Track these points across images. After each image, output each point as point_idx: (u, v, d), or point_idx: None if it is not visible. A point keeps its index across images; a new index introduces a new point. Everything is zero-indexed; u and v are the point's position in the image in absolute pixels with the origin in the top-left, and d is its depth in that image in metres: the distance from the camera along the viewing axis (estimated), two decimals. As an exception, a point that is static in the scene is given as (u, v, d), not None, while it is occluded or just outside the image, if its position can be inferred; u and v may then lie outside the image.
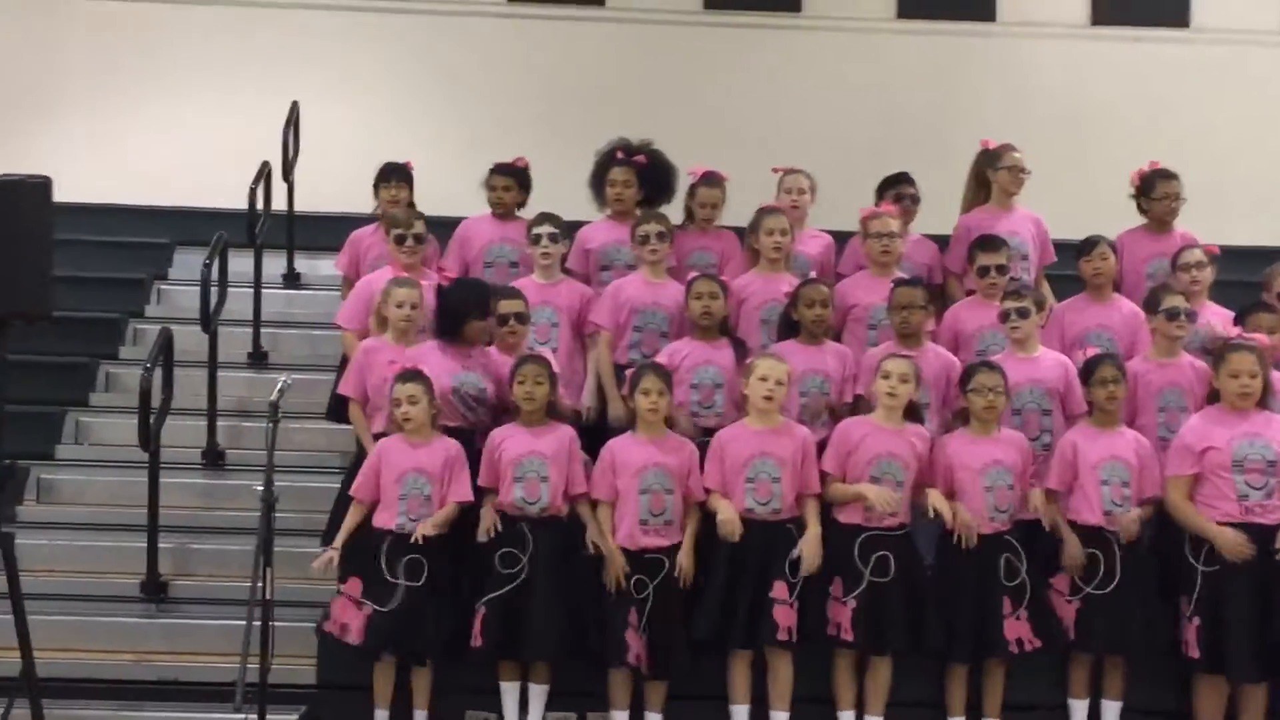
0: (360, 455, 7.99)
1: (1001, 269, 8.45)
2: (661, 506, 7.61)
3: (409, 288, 8.18)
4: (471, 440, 7.84)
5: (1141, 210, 9.08)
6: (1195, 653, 7.60)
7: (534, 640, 7.49)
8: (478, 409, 7.98)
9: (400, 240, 8.58)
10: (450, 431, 7.84)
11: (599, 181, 8.98)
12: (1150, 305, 8.28)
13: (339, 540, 7.65)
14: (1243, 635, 7.50)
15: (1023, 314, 8.09)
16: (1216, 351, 7.85)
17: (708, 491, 7.66)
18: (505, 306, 8.10)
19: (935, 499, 7.60)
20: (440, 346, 8.02)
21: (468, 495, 7.66)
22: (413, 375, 7.73)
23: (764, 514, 7.58)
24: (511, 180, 9.02)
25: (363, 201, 9.43)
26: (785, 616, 7.50)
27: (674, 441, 7.72)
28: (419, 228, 8.64)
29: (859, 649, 7.57)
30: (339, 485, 8.14)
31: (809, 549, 7.54)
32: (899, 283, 8.28)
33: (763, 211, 8.61)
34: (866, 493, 7.58)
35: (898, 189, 9.10)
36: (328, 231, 10.47)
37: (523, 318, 8.09)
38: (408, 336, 8.16)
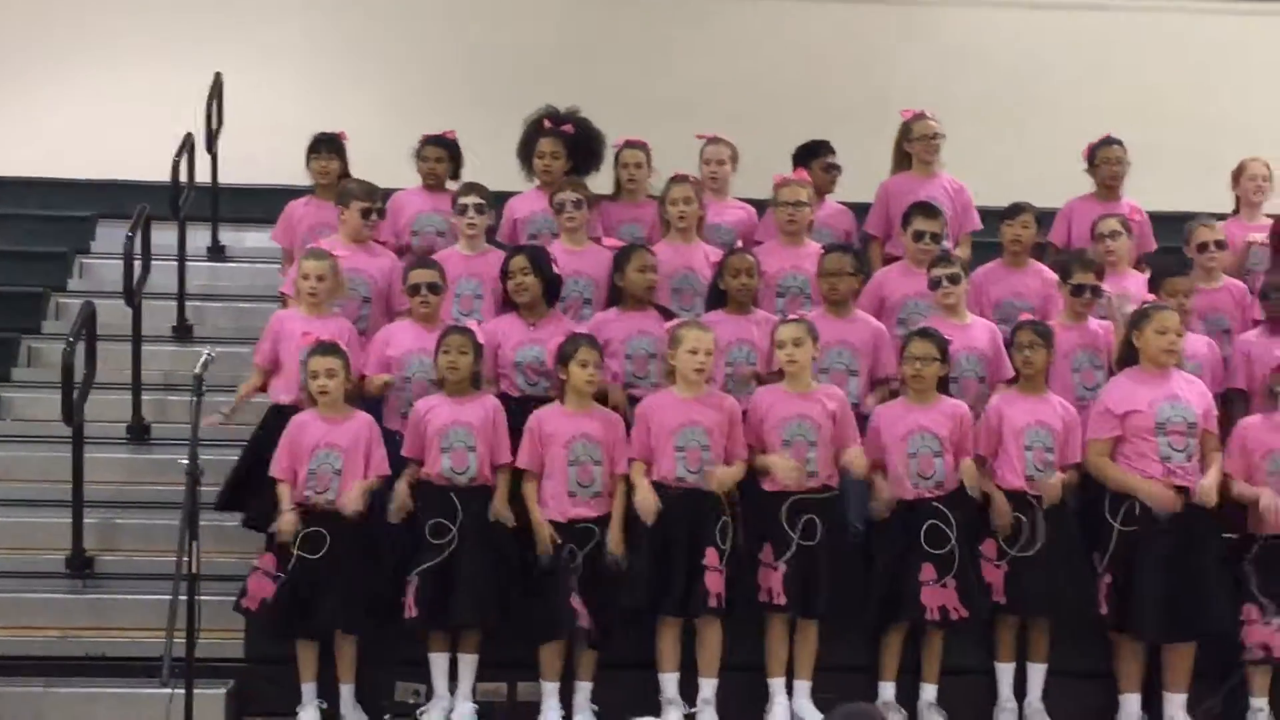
0: (263, 426, 8.00)
1: (936, 237, 8.49)
2: (589, 478, 7.61)
3: (318, 259, 8.14)
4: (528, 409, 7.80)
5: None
6: (1104, 609, 7.68)
7: (466, 609, 7.49)
8: (539, 381, 7.96)
9: (366, 214, 8.52)
10: (507, 400, 7.85)
11: (527, 152, 8.97)
12: (1061, 274, 8.33)
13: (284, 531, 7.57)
14: (1150, 594, 7.58)
15: (954, 280, 8.12)
16: (1137, 314, 7.91)
17: (631, 462, 7.66)
18: (416, 277, 8.05)
19: (856, 462, 7.65)
20: (513, 315, 8.06)
21: (385, 469, 7.67)
22: (330, 348, 7.71)
23: (694, 482, 7.59)
24: (443, 151, 9.00)
25: (288, 173, 9.35)
26: (715, 583, 7.51)
27: (601, 413, 7.72)
28: (380, 202, 8.60)
29: (791, 613, 7.59)
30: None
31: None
32: (829, 249, 8.30)
33: (671, 180, 8.62)
34: (770, 465, 7.59)
35: (816, 157, 9.11)
36: (253, 204, 10.41)
37: (435, 288, 8.03)
38: (318, 308, 8.11)
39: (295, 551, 7.50)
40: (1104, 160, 9.09)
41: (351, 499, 7.53)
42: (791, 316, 7.81)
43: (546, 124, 8.92)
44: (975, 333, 8.17)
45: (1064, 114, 10.37)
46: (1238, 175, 9.21)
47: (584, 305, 8.39)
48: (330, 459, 7.59)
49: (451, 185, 8.93)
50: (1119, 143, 9.11)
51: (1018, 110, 11.29)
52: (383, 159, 9.05)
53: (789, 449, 7.62)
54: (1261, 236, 8.98)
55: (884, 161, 9.22)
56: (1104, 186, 9.14)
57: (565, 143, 8.89)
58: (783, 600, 7.54)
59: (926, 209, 8.57)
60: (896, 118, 9.19)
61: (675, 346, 7.66)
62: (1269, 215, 9.17)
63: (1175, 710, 7.70)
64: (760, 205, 9.09)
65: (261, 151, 10.14)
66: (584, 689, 7.63)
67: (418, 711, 7.62)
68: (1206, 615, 7.59)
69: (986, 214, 9.09)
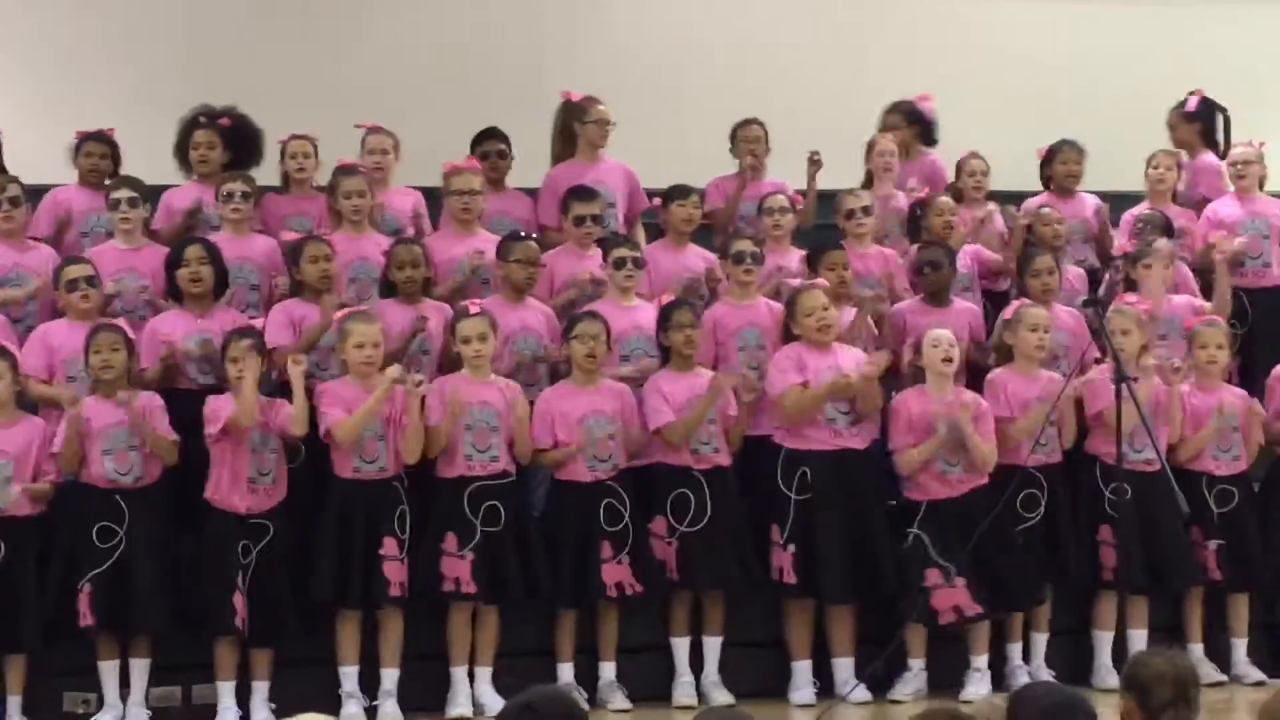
0: None
1: (597, 219, 8.58)
2: (268, 466, 7.56)
3: None
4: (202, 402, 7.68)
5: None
6: (792, 579, 7.88)
7: (141, 613, 7.39)
8: (211, 370, 7.82)
9: None
10: (184, 394, 7.71)
11: (183, 148, 8.83)
12: (722, 250, 8.51)
13: None
14: (834, 560, 7.83)
15: (638, 264, 8.24)
16: (788, 301, 8.14)
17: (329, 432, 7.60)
18: (73, 272, 7.90)
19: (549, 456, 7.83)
20: (176, 310, 7.96)
21: (55, 474, 7.49)
22: None
23: (370, 472, 7.62)
24: (107, 148, 8.78)
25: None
26: (396, 572, 7.53)
27: (264, 400, 7.63)
28: (13, 191, 8.33)
29: (481, 600, 7.63)
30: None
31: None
32: (512, 238, 8.34)
33: (339, 172, 8.57)
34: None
35: (485, 145, 9.14)
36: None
37: (93, 281, 7.88)
38: None
39: None
40: (743, 140, 9.24)
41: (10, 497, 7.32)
42: (474, 310, 7.84)
43: (202, 119, 8.79)
44: (644, 314, 8.28)
45: (725, 95, 10.53)
46: (869, 150, 9.49)
47: (250, 291, 8.33)
48: (-1, 467, 7.38)
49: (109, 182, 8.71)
50: (758, 122, 9.26)
51: (680, 92, 11.43)
52: (34, 154, 8.77)
53: (471, 434, 7.67)
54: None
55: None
56: (747, 166, 9.25)
57: (222, 135, 8.77)
58: (472, 589, 7.58)
59: (582, 193, 8.65)
60: (556, 102, 9.23)
61: (343, 341, 7.67)
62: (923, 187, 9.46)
63: (844, 675, 7.93)
64: (427, 194, 9.07)
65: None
66: (260, 688, 7.53)
67: (88, 721, 7.46)
68: (880, 577, 7.86)
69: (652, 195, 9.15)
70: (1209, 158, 9.76)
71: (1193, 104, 9.81)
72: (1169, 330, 8.71)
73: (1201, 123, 9.81)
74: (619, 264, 8.23)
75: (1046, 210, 9.12)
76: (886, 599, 7.96)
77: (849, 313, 8.39)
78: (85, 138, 8.77)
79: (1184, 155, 9.72)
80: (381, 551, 7.51)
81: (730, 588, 7.94)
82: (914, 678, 7.97)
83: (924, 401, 8.02)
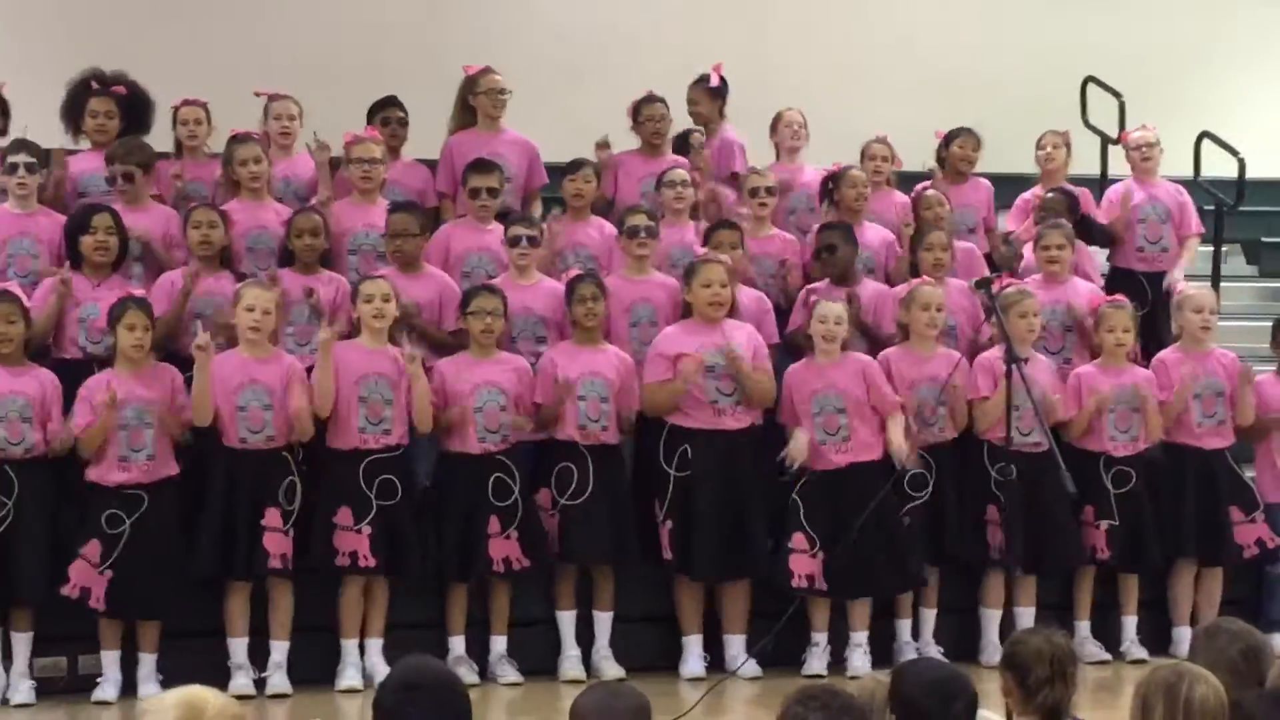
0: None
1: (493, 191, 8.55)
2: (141, 443, 7.49)
3: None
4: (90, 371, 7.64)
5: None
6: (669, 555, 7.92)
7: (25, 585, 7.34)
8: (102, 339, 7.73)
9: None
10: (67, 364, 7.66)
11: (74, 112, 8.69)
12: (618, 224, 8.51)
13: None
14: (707, 537, 7.86)
15: (533, 242, 8.22)
16: (687, 269, 8.15)
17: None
18: None
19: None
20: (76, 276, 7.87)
21: None
22: None
23: (256, 442, 7.58)
24: None
25: None
26: (277, 544, 7.50)
27: (150, 374, 7.59)
28: None
29: (381, 574, 7.63)
30: None
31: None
32: (393, 208, 8.31)
33: (234, 141, 8.49)
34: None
35: (385, 113, 9.09)
36: None
37: None
38: None
39: None
40: (648, 118, 9.18)
41: None
42: (378, 275, 7.82)
43: (95, 85, 8.67)
44: (539, 293, 8.27)
45: (627, 72, 10.51)
46: (775, 124, 9.47)
47: (134, 263, 8.23)
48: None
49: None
50: (662, 100, 9.23)
51: (581, 67, 11.42)
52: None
53: (365, 406, 7.65)
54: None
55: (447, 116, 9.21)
56: (649, 144, 9.23)
57: (118, 103, 8.66)
58: (371, 562, 7.57)
59: (481, 165, 8.61)
60: (457, 73, 9.18)
61: (236, 304, 7.65)
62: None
63: (736, 650, 7.97)
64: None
65: None
66: (147, 660, 7.48)
67: (-30, 694, 7.39)
68: (751, 555, 7.90)
69: (552, 169, 9.14)
70: (731, 133, 9.60)
71: (715, 79, 9.56)
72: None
73: (723, 99, 9.61)
74: (512, 241, 8.21)
75: (930, 193, 9.19)
76: (763, 574, 7.95)
77: (745, 291, 8.40)
78: None
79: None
80: (263, 523, 7.48)
81: (604, 561, 7.95)
82: (823, 652, 8.00)
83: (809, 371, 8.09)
